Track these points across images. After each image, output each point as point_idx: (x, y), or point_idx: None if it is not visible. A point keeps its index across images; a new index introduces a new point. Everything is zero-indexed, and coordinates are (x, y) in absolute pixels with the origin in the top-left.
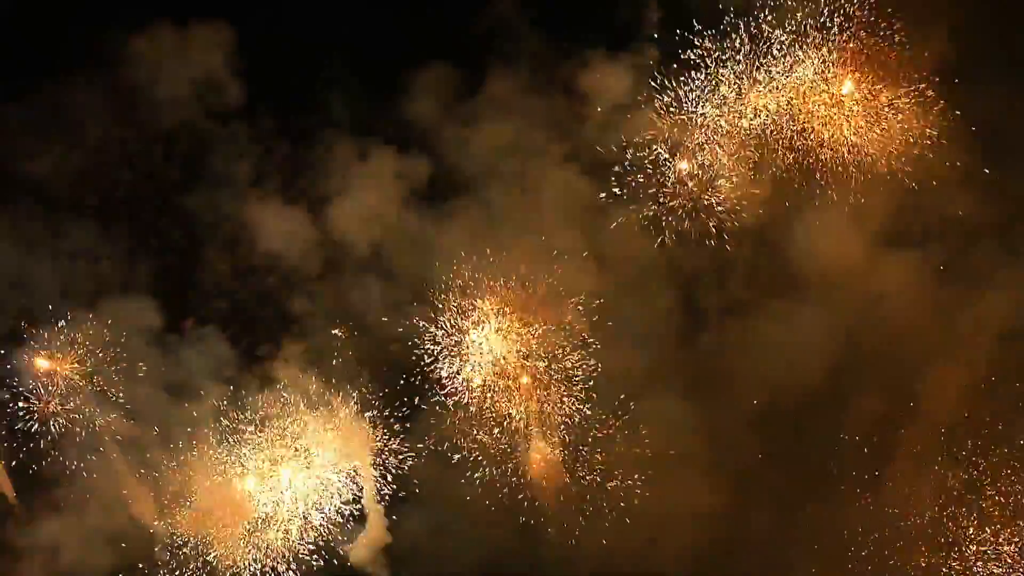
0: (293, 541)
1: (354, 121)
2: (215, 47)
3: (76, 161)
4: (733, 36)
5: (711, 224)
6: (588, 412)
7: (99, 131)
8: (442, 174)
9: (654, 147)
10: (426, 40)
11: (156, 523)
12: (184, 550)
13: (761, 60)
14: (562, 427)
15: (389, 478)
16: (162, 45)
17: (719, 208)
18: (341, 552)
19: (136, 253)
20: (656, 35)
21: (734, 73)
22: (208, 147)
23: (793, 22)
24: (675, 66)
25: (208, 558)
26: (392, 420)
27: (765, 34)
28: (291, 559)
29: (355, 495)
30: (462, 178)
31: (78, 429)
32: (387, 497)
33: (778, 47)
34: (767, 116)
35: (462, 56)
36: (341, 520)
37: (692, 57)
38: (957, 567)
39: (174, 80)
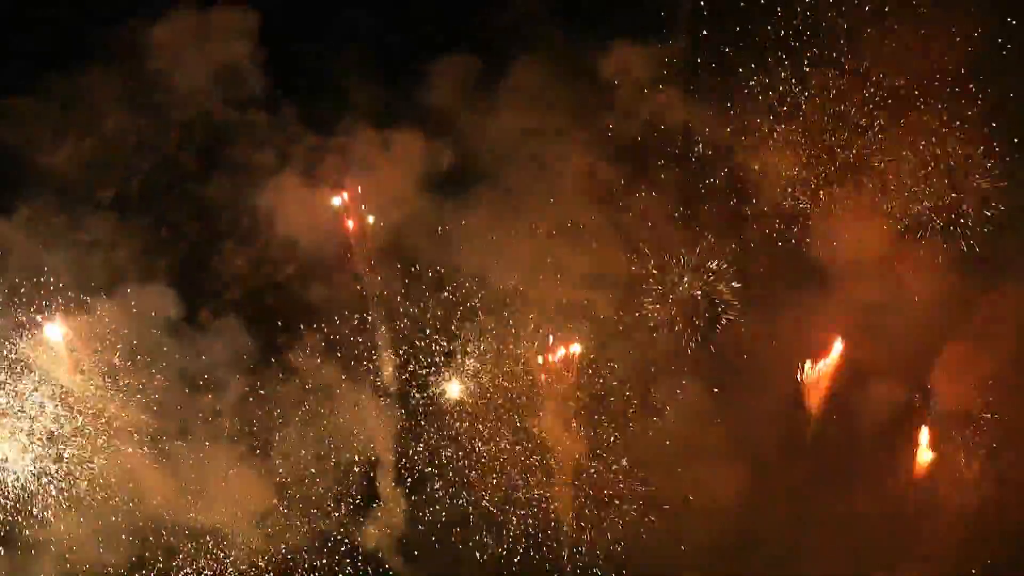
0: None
1: (376, 109)
2: (236, 34)
3: (94, 151)
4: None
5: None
6: (607, 402)
7: (117, 120)
8: (465, 162)
9: (681, 136)
10: (449, 28)
11: (173, 515)
12: (200, 541)
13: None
14: (581, 418)
15: (408, 466)
16: (182, 32)
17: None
18: (355, 536)
19: (154, 243)
20: (686, 23)
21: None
22: (228, 135)
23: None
24: (707, 56)
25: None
26: (411, 409)
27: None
28: (307, 546)
29: (371, 478)
30: (485, 166)
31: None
32: (405, 483)
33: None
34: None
35: (485, 44)
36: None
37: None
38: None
39: (194, 68)
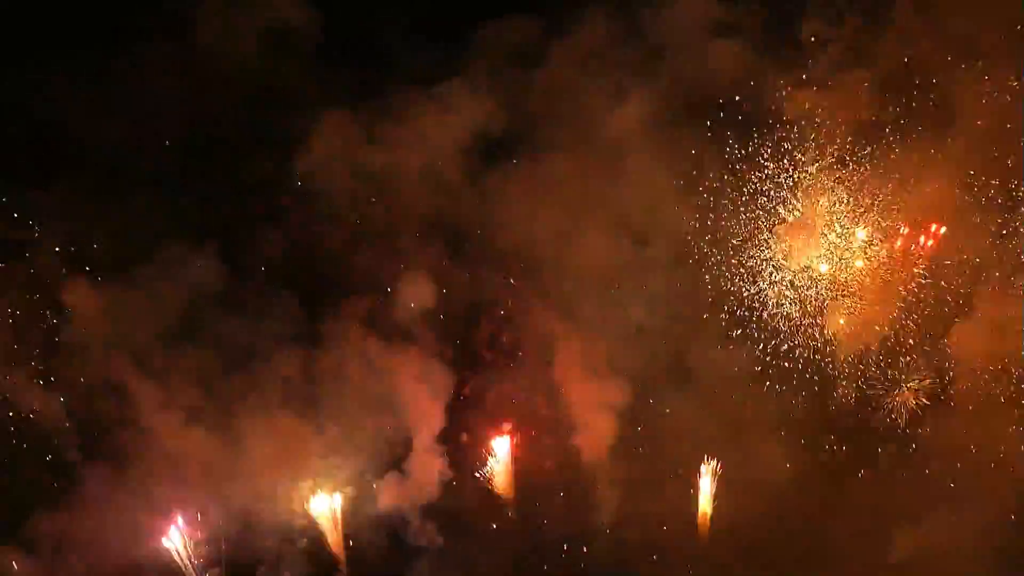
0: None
1: (426, 74)
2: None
3: (140, 119)
4: None
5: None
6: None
7: (164, 89)
8: (517, 126)
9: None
10: None
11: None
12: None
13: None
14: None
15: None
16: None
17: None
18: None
19: (199, 213)
20: None
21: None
22: (275, 103)
23: None
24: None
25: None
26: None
27: None
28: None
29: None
30: (538, 130)
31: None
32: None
33: None
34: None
35: (537, 6)
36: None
37: None
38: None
39: (241, 35)
